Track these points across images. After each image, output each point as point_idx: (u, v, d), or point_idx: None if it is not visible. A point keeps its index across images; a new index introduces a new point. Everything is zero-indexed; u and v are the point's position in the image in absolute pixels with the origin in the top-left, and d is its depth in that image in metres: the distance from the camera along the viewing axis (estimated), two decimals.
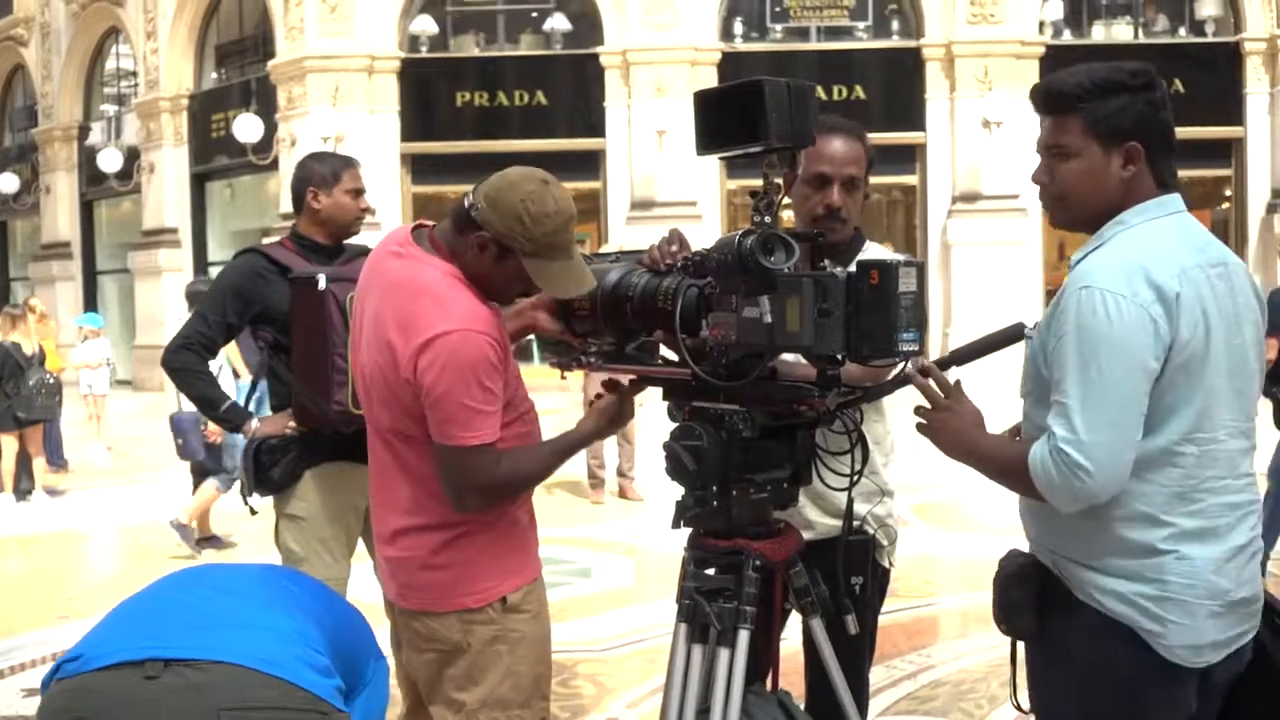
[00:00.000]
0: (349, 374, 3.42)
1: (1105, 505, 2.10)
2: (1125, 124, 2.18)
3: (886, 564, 2.98)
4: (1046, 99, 2.24)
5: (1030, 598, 2.21)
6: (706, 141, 2.31)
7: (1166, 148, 2.23)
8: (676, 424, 2.39)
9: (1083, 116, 2.18)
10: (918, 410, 2.25)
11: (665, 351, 2.61)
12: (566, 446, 2.56)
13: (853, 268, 2.10)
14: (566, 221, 2.38)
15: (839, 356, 2.12)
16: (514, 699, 2.47)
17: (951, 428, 2.21)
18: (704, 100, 2.31)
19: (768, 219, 2.20)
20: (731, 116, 2.22)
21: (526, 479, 2.50)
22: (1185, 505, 2.13)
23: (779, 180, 2.25)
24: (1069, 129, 2.20)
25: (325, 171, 3.87)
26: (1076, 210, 2.25)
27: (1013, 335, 2.34)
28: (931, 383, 2.23)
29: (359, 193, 3.84)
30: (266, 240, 4.36)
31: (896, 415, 2.91)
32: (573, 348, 2.63)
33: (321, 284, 3.57)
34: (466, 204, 2.39)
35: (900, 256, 2.23)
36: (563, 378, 2.93)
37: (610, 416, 2.55)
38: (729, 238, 2.19)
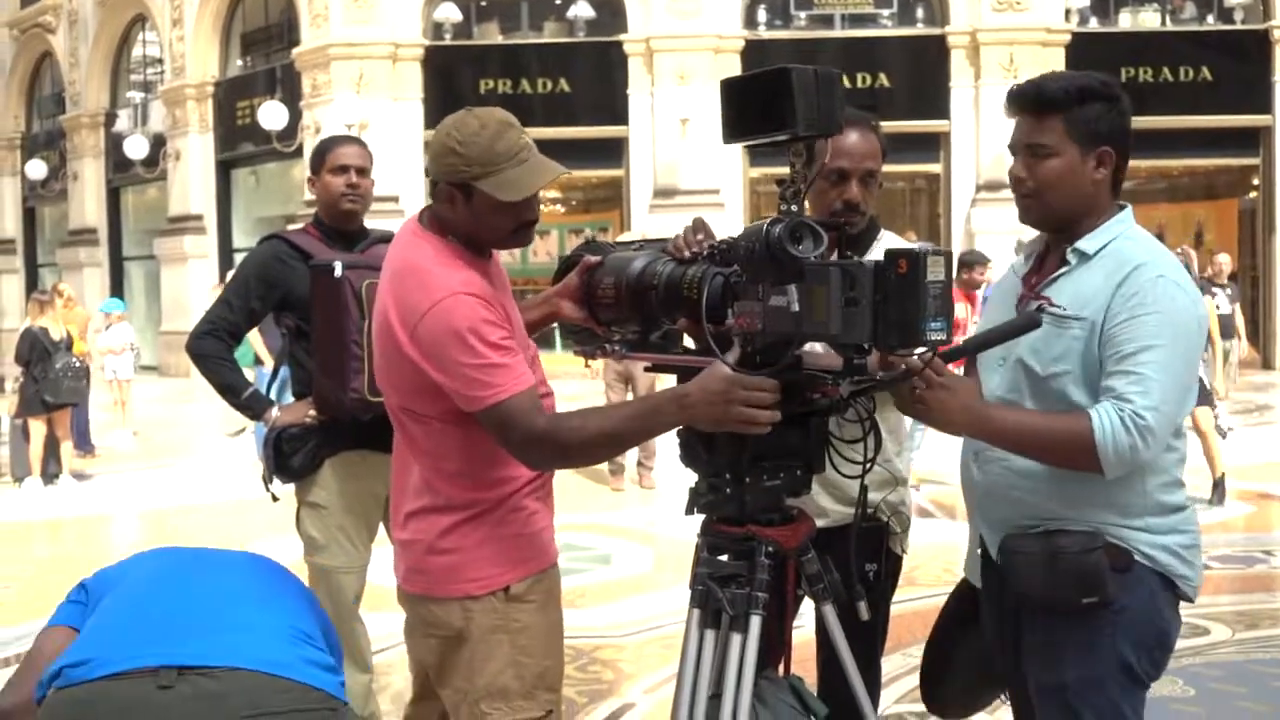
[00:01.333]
0: (365, 361, 3.44)
1: (1149, 474, 2.33)
2: (1100, 130, 2.36)
3: (899, 551, 3.00)
4: (1034, 99, 2.38)
5: (1106, 564, 2.32)
6: (732, 130, 2.29)
7: (1126, 158, 2.42)
8: None
9: (1065, 119, 2.35)
10: (912, 392, 2.29)
11: (687, 341, 2.60)
12: (647, 421, 2.30)
13: (880, 256, 2.08)
14: (499, 129, 2.33)
15: (865, 345, 2.10)
16: (516, 690, 2.41)
17: (954, 404, 2.28)
18: (730, 88, 2.28)
19: (794, 207, 2.18)
20: (758, 105, 2.20)
21: (592, 435, 2.31)
22: (1184, 468, 2.44)
23: (804, 169, 2.23)
24: (1050, 129, 2.36)
25: (314, 156, 3.88)
26: (1048, 207, 2.42)
27: (1027, 324, 2.34)
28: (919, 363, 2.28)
29: (344, 169, 3.77)
30: (291, 227, 4.36)
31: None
32: (596, 336, 2.61)
33: (338, 271, 3.57)
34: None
35: (927, 246, 2.23)
36: (587, 366, 2.92)
37: (716, 414, 2.19)
38: (756, 226, 2.18)
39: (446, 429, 2.40)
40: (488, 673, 2.42)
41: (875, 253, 2.56)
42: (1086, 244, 2.38)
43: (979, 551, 2.56)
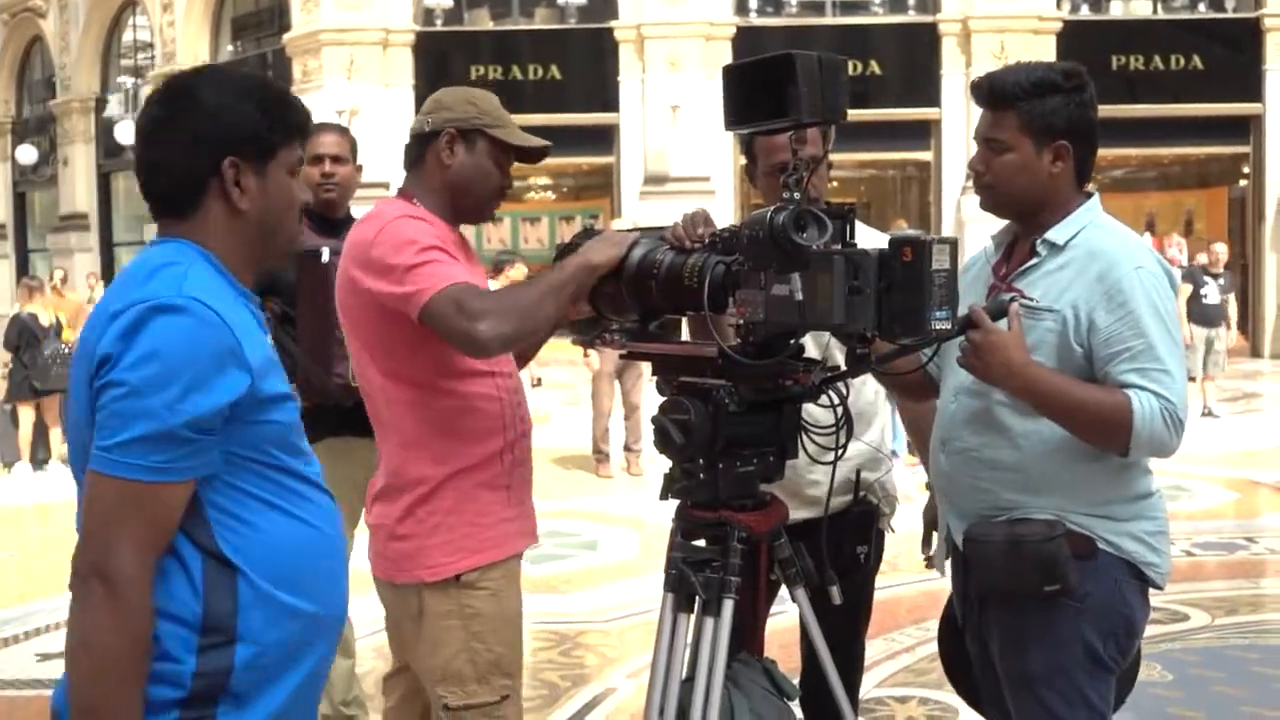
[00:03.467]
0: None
1: (1123, 461, 2.34)
2: (1057, 123, 2.37)
3: (886, 530, 3.05)
4: (989, 94, 2.41)
5: (1070, 553, 2.33)
6: (734, 117, 2.28)
7: (1091, 147, 2.42)
8: (665, 398, 2.42)
9: (1019, 114, 2.36)
10: (969, 339, 2.27)
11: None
12: (563, 277, 2.39)
13: (885, 244, 2.08)
14: (498, 101, 2.63)
15: (869, 334, 2.10)
16: (470, 674, 2.46)
17: (1001, 358, 2.26)
18: (733, 74, 2.26)
19: (796, 195, 2.17)
20: (761, 91, 2.18)
21: (524, 306, 2.37)
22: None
23: (804, 156, 2.21)
24: (1006, 124, 2.39)
25: None
26: (1004, 199, 2.44)
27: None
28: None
29: (318, 159, 3.76)
30: None
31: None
32: (595, 324, 2.60)
33: (324, 257, 3.58)
34: (416, 132, 2.59)
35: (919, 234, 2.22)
36: (585, 355, 2.94)
37: (610, 249, 2.38)
38: (760, 213, 2.17)
39: (389, 387, 2.47)
40: (442, 656, 2.47)
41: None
42: (1056, 234, 2.39)
43: (948, 541, 2.59)
